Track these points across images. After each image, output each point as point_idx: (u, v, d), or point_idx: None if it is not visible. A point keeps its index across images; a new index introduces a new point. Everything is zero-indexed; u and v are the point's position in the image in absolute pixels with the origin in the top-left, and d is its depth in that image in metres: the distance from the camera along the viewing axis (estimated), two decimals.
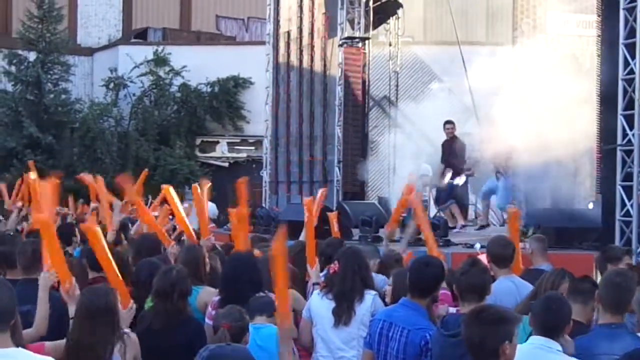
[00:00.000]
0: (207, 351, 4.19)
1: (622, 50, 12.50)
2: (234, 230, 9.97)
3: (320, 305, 7.08)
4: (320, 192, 11.29)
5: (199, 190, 10.54)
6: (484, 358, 4.64)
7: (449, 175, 16.73)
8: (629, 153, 12.36)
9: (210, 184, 10.91)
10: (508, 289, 7.16)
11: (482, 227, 16.94)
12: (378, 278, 8.18)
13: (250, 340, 5.98)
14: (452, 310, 6.30)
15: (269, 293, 6.98)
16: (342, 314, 6.93)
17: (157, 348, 6.36)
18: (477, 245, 12.79)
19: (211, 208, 16.90)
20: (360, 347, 6.81)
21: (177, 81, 34.99)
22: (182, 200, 11.69)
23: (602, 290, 6.06)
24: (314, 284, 7.94)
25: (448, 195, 16.83)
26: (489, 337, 4.61)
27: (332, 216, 11.15)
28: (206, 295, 7.43)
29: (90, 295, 5.98)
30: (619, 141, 12.50)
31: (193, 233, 10.08)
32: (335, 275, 7.07)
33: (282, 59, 25.76)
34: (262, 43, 28.49)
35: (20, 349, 4.78)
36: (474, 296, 5.84)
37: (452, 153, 16.67)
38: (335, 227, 10.77)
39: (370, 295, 6.98)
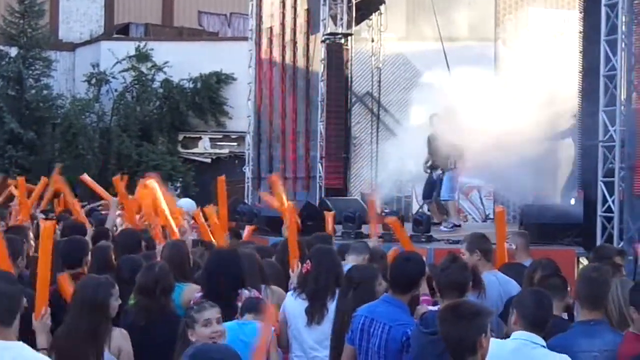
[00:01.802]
0: (192, 349, 4.23)
1: (603, 47, 12.54)
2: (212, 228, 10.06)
3: (293, 305, 7.09)
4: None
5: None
6: (462, 353, 4.65)
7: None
8: (610, 149, 12.40)
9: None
10: (492, 283, 7.19)
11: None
12: None
13: (234, 336, 6.00)
14: (434, 309, 6.30)
15: (252, 290, 6.99)
16: (315, 313, 6.94)
17: (140, 344, 6.36)
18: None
19: (190, 204, 16.85)
20: None
21: (159, 77, 34.88)
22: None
23: (579, 286, 6.07)
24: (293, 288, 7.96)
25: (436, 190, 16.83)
26: (466, 331, 4.63)
27: (329, 215, 11.21)
28: (190, 293, 7.42)
29: (85, 288, 6.05)
30: (600, 137, 12.54)
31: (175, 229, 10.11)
32: (308, 274, 7.08)
33: (264, 54, 25.72)
34: (245, 39, 28.43)
35: (21, 343, 4.83)
36: (454, 292, 5.85)
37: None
38: (330, 226, 10.82)
39: None
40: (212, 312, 5.86)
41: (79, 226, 10.56)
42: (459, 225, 16.12)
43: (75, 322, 5.92)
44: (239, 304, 6.64)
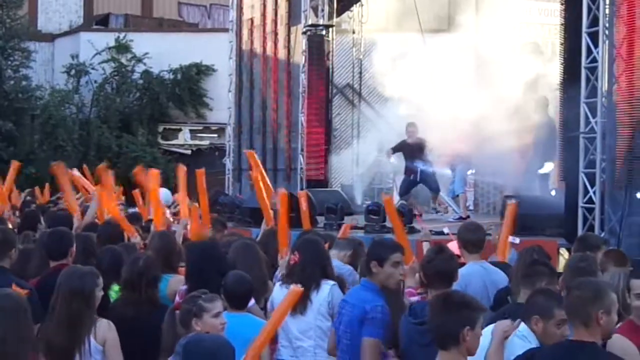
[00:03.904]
0: (186, 339, 4.24)
1: (584, 39, 12.58)
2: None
3: (280, 295, 7.10)
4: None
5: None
6: (445, 342, 4.73)
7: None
8: (591, 140, 12.46)
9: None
10: (477, 272, 7.18)
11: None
12: (344, 268, 8.22)
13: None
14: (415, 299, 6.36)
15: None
16: (298, 303, 6.95)
17: (129, 337, 6.37)
18: (446, 230, 12.85)
19: (165, 195, 16.76)
20: (318, 337, 6.85)
21: (139, 68, 34.80)
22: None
23: (567, 277, 6.09)
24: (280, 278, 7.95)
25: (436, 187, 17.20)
26: (450, 321, 4.70)
27: (302, 195, 11.15)
28: (175, 284, 7.42)
29: (71, 278, 6.03)
30: (581, 129, 12.60)
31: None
32: (295, 265, 7.10)
33: (245, 46, 25.68)
34: (225, 30, 28.38)
35: None
36: (441, 283, 5.88)
37: (417, 151, 16.82)
38: (304, 206, 10.76)
39: (327, 285, 7.00)
40: (221, 305, 5.89)
41: (64, 217, 10.53)
42: (467, 217, 16.24)
43: (60, 311, 5.92)
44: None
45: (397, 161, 18.02)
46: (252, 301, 6.83)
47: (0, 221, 9.74)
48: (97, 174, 12.58)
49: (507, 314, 5.66)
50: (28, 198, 17.91)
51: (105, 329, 6.06)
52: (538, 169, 15.39)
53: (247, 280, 6.61)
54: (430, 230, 13.71)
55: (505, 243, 8.41)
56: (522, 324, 5.39)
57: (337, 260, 8.37)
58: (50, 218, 10.63)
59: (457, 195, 17.41)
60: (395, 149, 17.35)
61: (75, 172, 13.35)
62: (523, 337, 5.38)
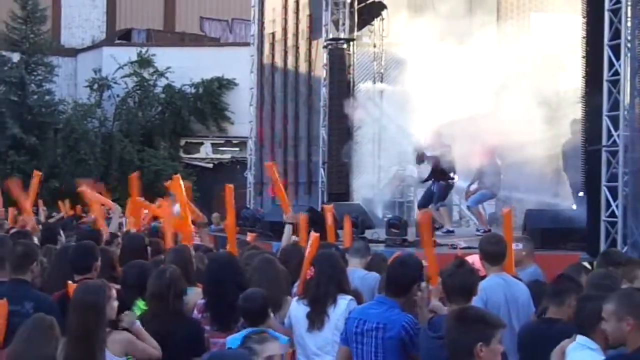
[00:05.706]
0: (207, 354, 4.25)
1: (606, 52, 12.52)
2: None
3: (297, 310, 7.08)
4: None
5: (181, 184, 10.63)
6: (458, 358, 4.68)
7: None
8: (613, 154, 12.37)
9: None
10: (497, 285, 7.14)
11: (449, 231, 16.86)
12: (370, 276, 8.17)
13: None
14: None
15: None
16: (316, 319, 6.93)
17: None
18: (462, 244, 12.84)
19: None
20: (335, 352, 6.81)
21: (161, 82, 34.97)
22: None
23: (590, 292, 6.04)
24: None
25: (438, 198, 16.85)
26: (463, 336, 4.66)
27: (328, 209, 11.13)
28: (194, 297, 7.42)
29: (78, 291, 6.11)
30: (603, 142, 12.51)
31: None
32: (310, 280, 7.08)
33: (266, 60, 25.75)
34: (247, 44, 28.49)
35: None
36: (460, 297, 5.86)
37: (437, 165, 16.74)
38: (329, 221, 10.74)
39: (344, 300, 6.96)
40: (275, 347, 5.21)
41: (90, 231, 10.61)
42: (489, 231, 16.08)
43: (71, 325, 5.96)
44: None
45: (418, 174, 17.97)
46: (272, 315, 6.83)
47: (24, 235, 9.75)
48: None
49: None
50: (54, 214, 18.05)
51: (123, 342, 6.13)
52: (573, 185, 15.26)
53: (260, 296, 6.59)
54: (451, 245, 13.77)
55: (510, 253, 8.27)
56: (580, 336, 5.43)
57: (361, 269, 8.34)
58: (81, 235, 10.64)
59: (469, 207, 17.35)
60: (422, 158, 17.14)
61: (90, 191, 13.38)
62: (581, 346, 5.45)
